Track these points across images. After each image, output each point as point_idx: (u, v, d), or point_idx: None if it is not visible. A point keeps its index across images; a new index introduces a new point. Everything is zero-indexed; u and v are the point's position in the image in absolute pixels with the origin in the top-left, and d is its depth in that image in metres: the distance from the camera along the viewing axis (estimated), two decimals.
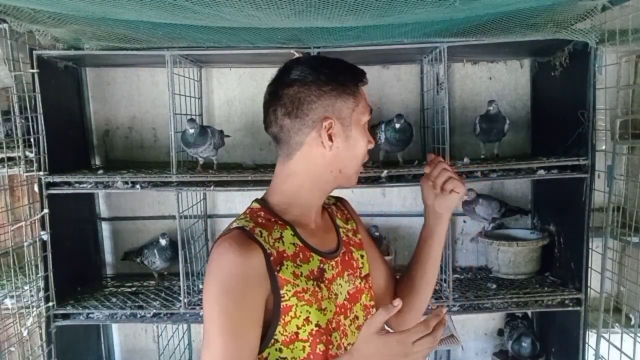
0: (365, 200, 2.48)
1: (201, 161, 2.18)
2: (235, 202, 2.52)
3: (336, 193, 1.28)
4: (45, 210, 2.02)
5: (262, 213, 1.15)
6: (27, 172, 2.02)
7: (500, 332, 2.54)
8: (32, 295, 2.08)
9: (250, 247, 1.05)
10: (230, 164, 2.43)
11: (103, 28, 1.78)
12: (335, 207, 1.33)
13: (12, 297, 2.05)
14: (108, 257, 2.57)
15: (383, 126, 2.11)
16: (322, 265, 1.14)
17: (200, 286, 2.28)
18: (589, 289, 2.04)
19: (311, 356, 1.08)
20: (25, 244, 2.04)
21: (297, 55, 1.95)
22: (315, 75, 1.11)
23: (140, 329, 2.60)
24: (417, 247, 1.32)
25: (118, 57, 2.09)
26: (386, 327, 1.06)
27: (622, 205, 2.08)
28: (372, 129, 2.18)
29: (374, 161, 2.24)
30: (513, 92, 2.46)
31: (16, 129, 2.01)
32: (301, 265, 1.10)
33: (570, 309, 2.04)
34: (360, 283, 1.22)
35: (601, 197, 2.11)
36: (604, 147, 2.19)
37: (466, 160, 2.10)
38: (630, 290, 2.08)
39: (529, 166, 2.03)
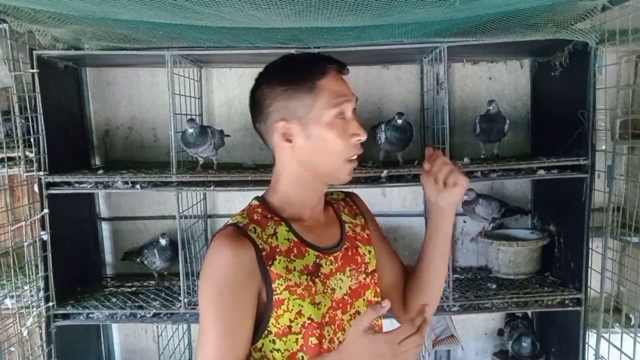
0: (365, 200, 2.43)
1: (201, 161, 2.18)
2: (235, 202, 2.52)
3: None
4: (45, 210, 2.02)
5: (260, 210, 1.18)
6: (27, 172, 2.02)
7: (500, 332, 2.54)
8: (32, 295, 2.08)
9: (242, 242, 1.08)
10: (230, 164, 2.43)
11: (103, 28, 1.78)
12: (344, 202, 1.34)
13: (12, 297, 2.05)
14: (108, 257, 2.57)
15: (383, 126, 2.11)
16: (318, 260, 1.15)
17: None
18: (589, 289, 2.04)
19: (304, 348, 1.10)
20: (25, 244, 2.04)
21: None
22: (272, 78, 1.15)
23: (140, 329, 2.60)
24: (423, 244, 1.30)
25: (118, 57, 2.09)
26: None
27: (622, 205, 2.09)
28: (372, 129, 2.19)
29: (374, 161, 2.24)
30: (513, 92, 2.46)
31: (16, 129, 2.01)
32: (295, 260, 1.12)
33: (570, 309, 2.04)
34: (365, 279, 1.22)
35: (601, 197, 2.11)
36: (604, 147, 2.19)
37: (466, 160, 2.10)
38: (630, 290, 2.08)
39: (529, 166, 2.03)
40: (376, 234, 1.33)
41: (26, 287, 2.08)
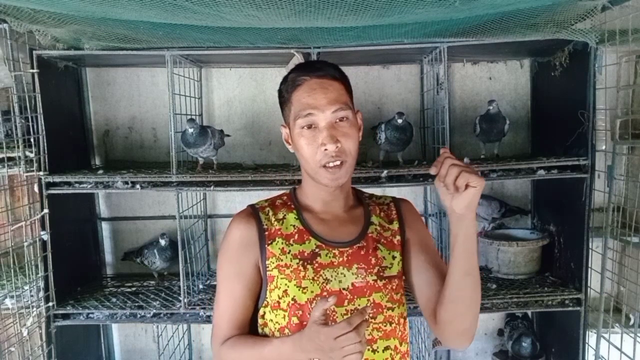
0: None
1: (201, 161, 2.18)
2: (235, 202, 2.52)
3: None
4: (45, 210, 2.03)
5: (285, 197, 1.35)
6: (27, 172, 2.02)
7: (500, 332, 2.54)
8: (32, 295, 2.08)
9: (247, 220, 1.29)
10: (230, 164, 2.43)
11: (103, 28, 1.78)
12: (387, 206, 1.37)
13: (12, 297, 2.05)
14: (108, 257, 2.57)
15: (383, 126, 2.11)
16: (317, 249, 1.25)
17: (201, 286, 2.31)
18: (589, 289, 2.04)
19: (289, 325, 1.23)
20: (25, 244, 2.04)
21: (297, 55, 1.96)
22: (279, 87, 1.31)
23: (140, 329, 2.61)
24: (449, 257, 1.18)
25: (118, 57, 2.09)
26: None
27: (622, 205, 2.09)
28: (372, 129, 2.19)
29: (374, 161, 2.24)
30: (513, 92, 2.46)
31: (16, 129, 2.01)
32: (292, 245, 1.25)
33: (570, 309, 2.04)
34: (375, 281, 1.24)
35: (601, 197, 2.11)
36: (604, 147, 2.19)
37: (466, 160, 2.05)
38: (630, 290, 2.08)
39: (529, 166, 2.03)
40: (416, 244, 1.31)
41: (26, 287, 2.08)
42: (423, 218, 2.49)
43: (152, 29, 1.72)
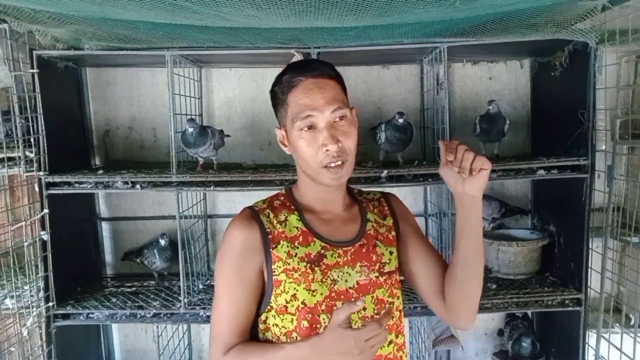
0: None
1: (201, 161, 2.18)
2: (235, 202, 2.52)
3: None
4: (45, 210, 2.03)
5: (282, 198, 1.32)
6: (27, 172, 2.02)
7: (500, 332, 2.54)
8: (32, 295, 2.08)
9: (249, 224, 1.24)
10: (230, 164, 2.43)
11: (103, 28, 1.78)
12: (378, 202, 1.39)
13: (12, 297, 2.05)
14: (108, 257, 2.57)
15: (383, 126, 2.11)
16: (323, 251, 1.23)
17: (201, 286, 2.31)
18: (589, 289, 2.04)
19: (297, 329, 1.20)
20: (25, 244, 2.04)
21: (297, 55, 1.95)
22: (272, 88, 1.29)
23: (140, 329, 2.61)
24: (455, 238, 1.26)
25: (118, 57, 2.09)
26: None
27: (622, 205, 2.09)
28: (372, 129, 2.19)
29: (374, 161, 2.24)
30: (513, 92, 2.46)
31: (16, 129, 2.01)
32: (298, 247, 1.23)
33: (570, 309, 2.04)
34: (377, 277, 1.26)
35: (601, 197, 2.11)
36: (604, 147, 2.19)
37: None
38: (630, 290, 2.08)
39: (529, 166, 2.03)
40: (411, 234, 1.35)
41: (26, 287, 2.08)
42: (423, 218, 2.49)
43: (152, 29, 1.72)
